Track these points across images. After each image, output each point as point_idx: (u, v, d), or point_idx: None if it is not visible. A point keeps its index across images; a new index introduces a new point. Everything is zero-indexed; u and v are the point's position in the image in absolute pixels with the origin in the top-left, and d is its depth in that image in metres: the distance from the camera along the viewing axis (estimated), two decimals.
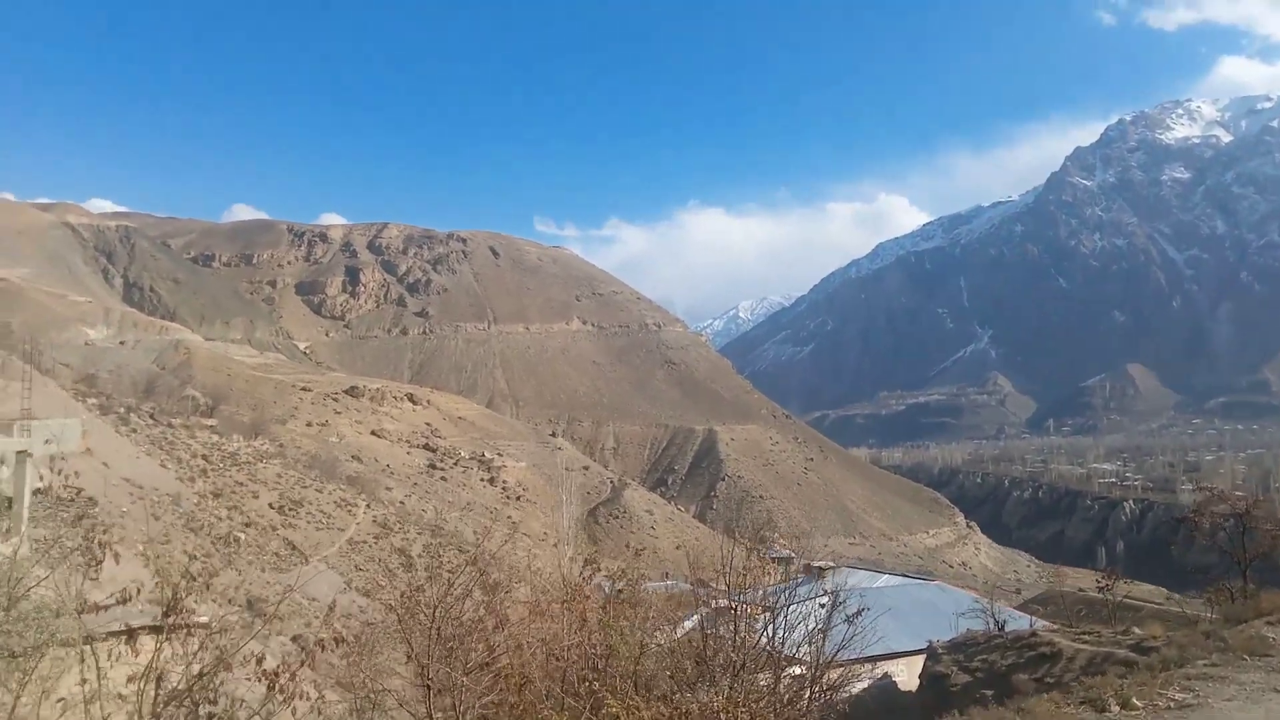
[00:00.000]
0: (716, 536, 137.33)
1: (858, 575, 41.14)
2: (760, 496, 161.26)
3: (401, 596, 9.84)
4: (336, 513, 63.13)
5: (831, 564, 46.11)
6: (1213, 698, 10.35)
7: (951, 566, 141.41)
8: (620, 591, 12.53)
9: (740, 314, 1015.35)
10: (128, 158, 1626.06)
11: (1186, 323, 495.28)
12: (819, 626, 14.09)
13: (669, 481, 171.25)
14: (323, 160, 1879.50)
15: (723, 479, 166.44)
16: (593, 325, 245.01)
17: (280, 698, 7.24)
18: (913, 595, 34.10)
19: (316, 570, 50.17)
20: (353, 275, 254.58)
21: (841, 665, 13.21)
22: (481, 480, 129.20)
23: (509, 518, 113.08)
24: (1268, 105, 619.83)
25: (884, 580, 38.92)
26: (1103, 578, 24.63)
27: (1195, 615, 19.72)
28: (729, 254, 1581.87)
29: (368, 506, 67.06)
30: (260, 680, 7.31)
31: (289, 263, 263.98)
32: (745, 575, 12.64)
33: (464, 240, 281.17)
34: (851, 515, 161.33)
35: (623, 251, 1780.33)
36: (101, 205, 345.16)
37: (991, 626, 19.69)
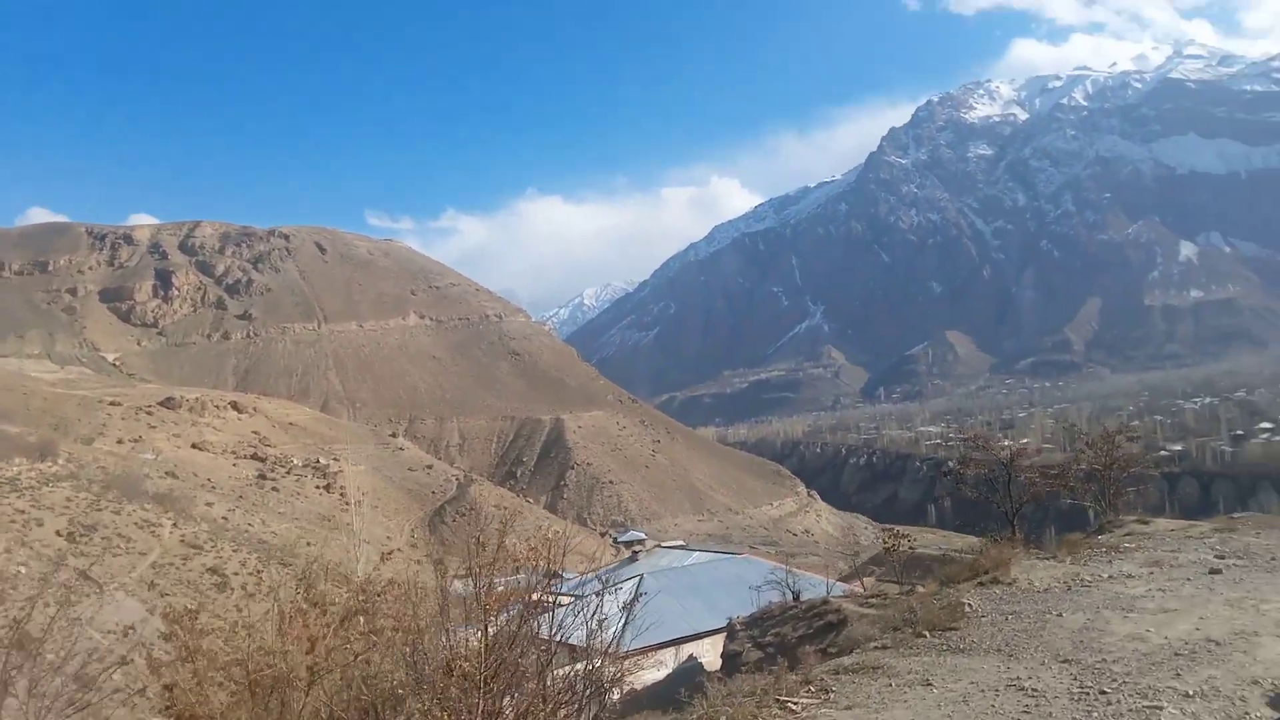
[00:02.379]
0: (568, 526, 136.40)
1: (670, 555, 40.58)
2: (610, 482, 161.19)
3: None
4: (138, 535, 57.52)
5: (640, 546, 45.52)
6: (843, 699, 9.44)
7: (795, 534, 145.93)
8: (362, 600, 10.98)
9: (585, 301, 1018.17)
10: None
11: (996, 290, 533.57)
12: (594, 617, 13.11)
13: (518, 474, 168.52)
14: (131, 159, 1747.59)
15: (572, 467, 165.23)
16: (430, 319, 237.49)
17: None
18: (720, 571, 33.74)
19: (109, 601, 45.15)
20: (164, 279, 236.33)
21: (631, 655, 12.69)
22: (317, 488, 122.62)
23: (348, 524, 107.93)
24: (1058, 84, 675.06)
25: (694, 558, 38.54)
26: (889, 536, 24.54)
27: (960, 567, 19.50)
28: (570, 242, 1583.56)
29: (174, 525, 61.47)
30: None
31: (90, 268, 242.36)
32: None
33: (287, 237, 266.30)
34: (699, 493, 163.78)
35: (462, 243, 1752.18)
36: None
37: (788, 597, 18.96)
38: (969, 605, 12.87)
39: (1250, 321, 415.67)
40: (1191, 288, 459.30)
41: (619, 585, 31.92)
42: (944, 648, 11.05)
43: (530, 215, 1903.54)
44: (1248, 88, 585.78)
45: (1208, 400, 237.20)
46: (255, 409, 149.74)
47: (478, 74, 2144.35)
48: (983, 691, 9.07)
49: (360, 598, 11.52)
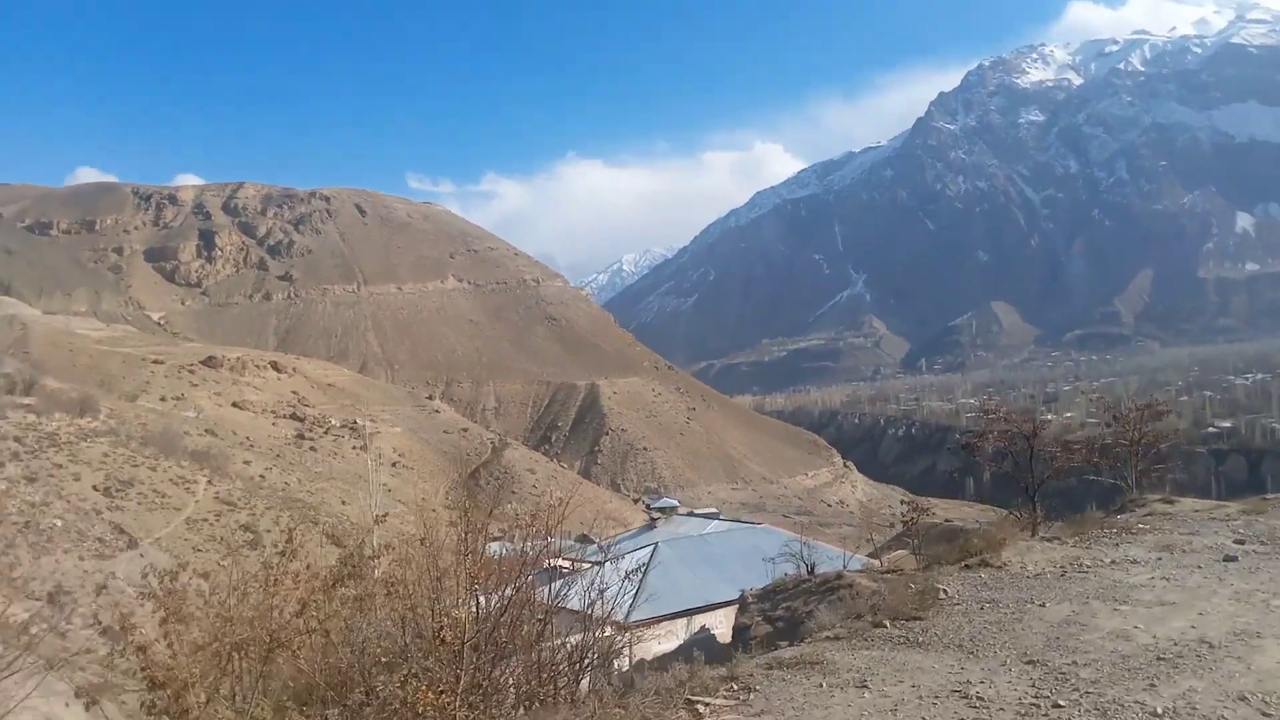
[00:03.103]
0: (601, 490, 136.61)
1: (689, 523, 39.86)
2: (644, 448, 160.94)
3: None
4: (173, 491, 58.13)
5: (671, 513, 44.87)
6: (761, 701, 8.43)
7: (829, 505, 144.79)
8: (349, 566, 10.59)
9: (624, 267, 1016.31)
10: None
11: (1044, 260, 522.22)
12: (595, 587, 12.76)
13: (552, 439, 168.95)
14: (178, 121, 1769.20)
15: (606, 433, 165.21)
16: (469, 283, 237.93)
17: None
18: (737, 541, 32.90)
19: (142, 555, 45.70)
20: (207, 239, 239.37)
21: (637, 625, 12.60)
22: (354, 448, 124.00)
23: (384, 485, 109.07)
24: (1114, 48, 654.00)
25: (712, 527, 37.73)
26: (910, 510, 23.46)
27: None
28: (610, 207, 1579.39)
29: (209, 482, 62.13)
30: None
31: (136, 228, 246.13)
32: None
33: (327, 199, 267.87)
34: (734, 462, 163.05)
35: (502, 207, 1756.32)
36: None
37: (803, 570, 18.15)
38: (944, 591, 12.00)
39: None
40: (1248, 260, 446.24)
41: (628, 554, 31.45)
42: (901, 641, 10.13)
43: (570, 179, 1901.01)
44: None
45: (1260, 376, 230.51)
46: (295, 369, 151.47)
47: (518, 37, 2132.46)
48: (920, 698, 8.07)
49: (354, 562, 11.10)
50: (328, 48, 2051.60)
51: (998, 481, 21.20)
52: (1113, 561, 13.27)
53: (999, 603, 11.42)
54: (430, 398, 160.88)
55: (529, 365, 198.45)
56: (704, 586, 28.10)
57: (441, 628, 8.59)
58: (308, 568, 10.09)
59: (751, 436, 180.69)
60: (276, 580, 9.09)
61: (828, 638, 10.76)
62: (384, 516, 14.79)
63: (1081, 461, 21.33)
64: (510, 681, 9.96)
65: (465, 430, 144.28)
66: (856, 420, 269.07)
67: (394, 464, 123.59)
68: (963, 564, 13.79)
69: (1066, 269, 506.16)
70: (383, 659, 8.92)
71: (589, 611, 12.75)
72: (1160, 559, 13.25)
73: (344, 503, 79.51)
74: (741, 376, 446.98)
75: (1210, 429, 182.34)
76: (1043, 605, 11.06)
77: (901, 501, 21.37)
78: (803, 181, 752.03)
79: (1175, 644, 9.06)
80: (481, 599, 9.47)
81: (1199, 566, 12.58)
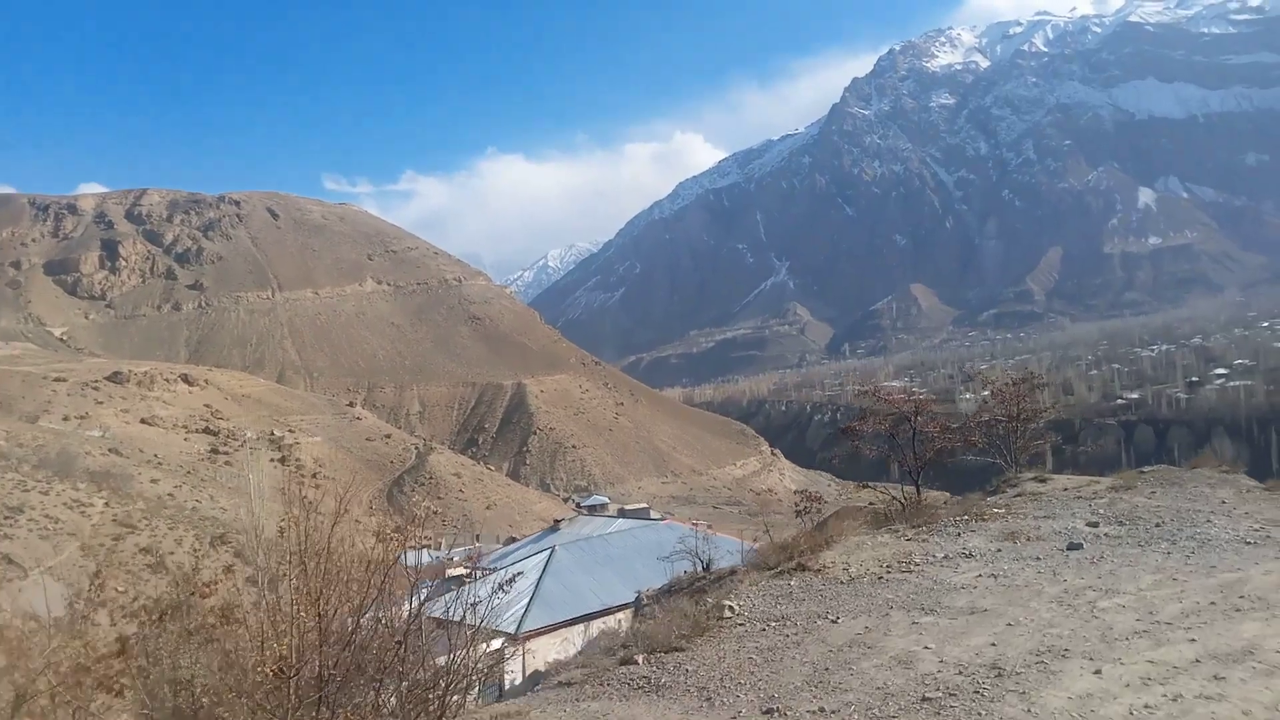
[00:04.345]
0: (529, 492, 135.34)
1: (593, 523, 39.39)
2: (573, 446, 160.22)
3: None
4: (67, 516, 55.40)
5: (600, 510, 44.28)
6: None
7: (758, 494, 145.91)
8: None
9: (550, 263, 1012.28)
10: None
11: (959, 241, 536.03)
12: (468, 598, 11.79)
13: (480, 441, 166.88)
14: (79, 128, 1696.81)
15: (534, 432, 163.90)
16: (389, 284, 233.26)
17: None
18: (640, 539, 32.44)
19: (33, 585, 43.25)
20: (111, 249, 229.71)
21: (531, 636, 11.86)
22: (271, 461, 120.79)
23: (303, 498, 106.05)
24: (1018, 30, 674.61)
25: (617, 525, 37.24)
26: (804, 497, 22.20)
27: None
28: (533, 202, 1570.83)
29: (106, 504, 59.34)
30: None
31: (34, 240, 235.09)
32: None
33: (237, 203, 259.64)
34: (663, 455, 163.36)
35: (422, 206, 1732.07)
36: None
37: (698, 566, 17.67)
38: (731, 608, 11.00)
39: (1207, 267, 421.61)
40: (1150, 234, 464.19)
41: (522, 560, 30.67)
42: (640, 685, 9.07)
43: (491, 175, 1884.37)
44: (1206, 30, 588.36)
45: (1165, 347, 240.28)
46: (207, 381, 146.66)
47: (433, 33, 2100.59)
48: None
49: (186, 589, 10.24)
50: (237, 47, 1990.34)
51: (921, 461, 20.35)
52: (946, 556, 12.56)
53: (789, 620, 10.47)
54: (351, 404, 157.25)
55: (453, 367, 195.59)
56: (603, 589, 27.57)
57: (273, 661, 7.76)
58: (135, 599, 9.20)
59: (681, 429, 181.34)
60: (85, 616, 8.25)
61: (559, 683, 9.83)
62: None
63: (960, 441, 20.43)
64: (369, 711, 9.26)
65: (388, 436, 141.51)
66: (784, 408, 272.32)
67: (314, 474, 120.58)
68: (777, 570, 12.90)
69: (980, 249, 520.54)
70: (203, 699, 8.00)
71: (461, 625, 11.95)
72: (999, 551, 12.61)
73: (281, 519, 77.01)
74: (671, 369, 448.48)
75: (1119, 401, 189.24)
76: (836, 621, 10.18)
77: (798, 494, 20.35)
78: (724, 171, 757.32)
79: (960, 672, 8.13)
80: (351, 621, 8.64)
81: (1038, 558, 11.98)
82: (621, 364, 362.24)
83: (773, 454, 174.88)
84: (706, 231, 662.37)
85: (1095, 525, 13.69)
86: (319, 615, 8.13)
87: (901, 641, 9.16)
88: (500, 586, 12.49)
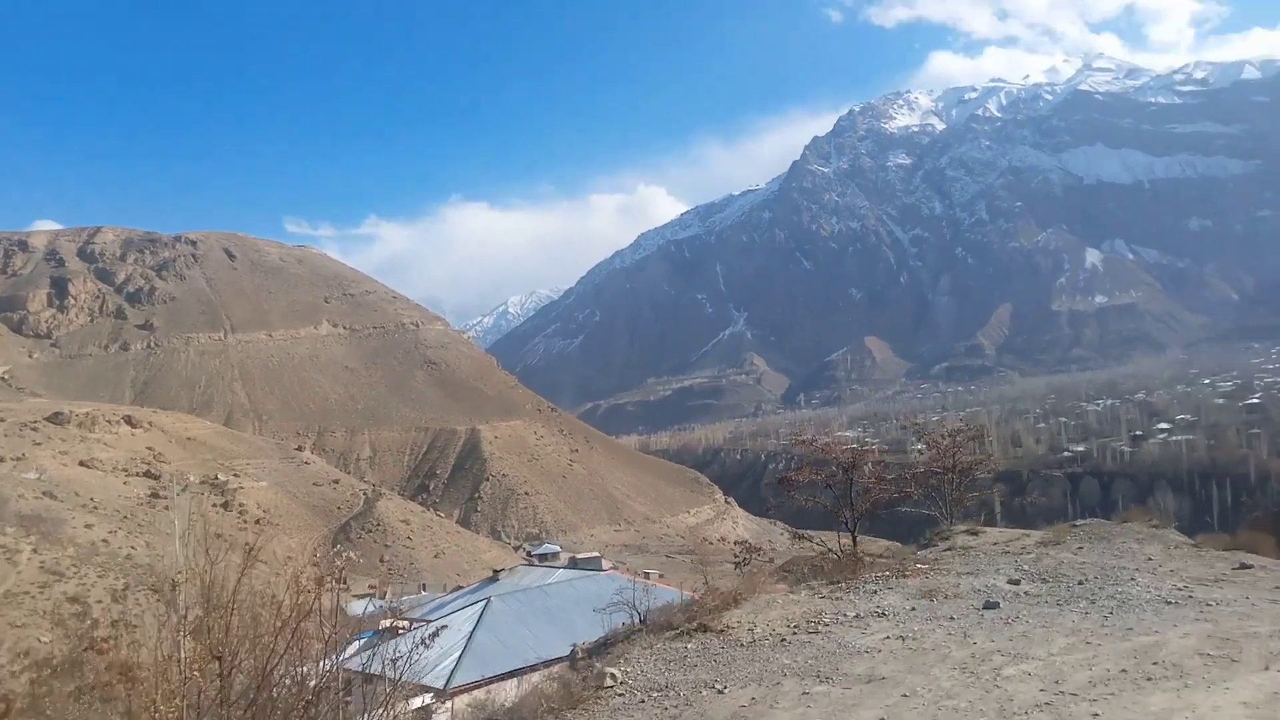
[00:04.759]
0: (479, 539, 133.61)
1: (534, 573, 39.19)
2: (526, 493, 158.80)
3: None
4: None
5: (554, 559, 44.04)
6: None
7: (711, 542, 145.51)
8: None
9: (510, 309, 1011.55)
10: None
11: (913, 296, 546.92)
12: (388, 654, 11.33)
13: (431, 487, 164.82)
14: (37, 163, 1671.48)
15: (487, 479, 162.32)
16: (344, 328, 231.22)
17: None
18: (580, 590, 32.30)
19: None
20: (60, 287, 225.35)
21: (461, 690, 11.27)
22: (214, 506, 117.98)
23: (245, 545, 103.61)
24: (973, 95, 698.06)
25: (557, 576, 37.08)
26: (744, 548, 22.07)
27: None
28: (496, 250, 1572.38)
29: (34, 550, 57.61)
30: None
31: None
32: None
33: (194, 243, 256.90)
34: (617, 503, 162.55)
35: (384, 250, 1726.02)
36: None
37: (635, 618, 17.59)
38: (614, 675, 10.43)
39: (1150, 326, 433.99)
40: (1097, 293, 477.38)
41: (456, 612, 30.36)
42: None
43: (455, 222, 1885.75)
44: (1152, 100, 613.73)
45: (1110, 402, 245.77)
46: (151, 423, 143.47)
47: (398, 79, 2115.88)
48: None
49: (81, 644, 9.89)
50: (201, 86, 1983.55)
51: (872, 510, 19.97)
52: (857, 616, 12.09)
53: (672, 689, 9.85)
54: (300, 449, 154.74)
55: (407, 411, 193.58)
56: (539, 642, 27.26)
57: None
58: (26, 653, 9.06)
59: (635, 476, 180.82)
60: None
61: None
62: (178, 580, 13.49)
63: (897, 492, 19.91)
64: None
65: (337, 482, 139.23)
66: (739, 456, 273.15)
67: (258, 520, 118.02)
68: (677, 630, 12.34)
69: (933, 305, 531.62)
70: None
71: (381, 682, 11.47)
72: (914, 610, 12.15)
73: (210, 565, 75.03)
74: (628, 416, 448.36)
75: (1066, 453, 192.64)
76: (722, 691, 9.58)
77: (737, 544, 19.89)
78: (685, 223, 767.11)
79: None
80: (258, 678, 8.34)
81: (951, 618, 11.51)
82: (579, 411, 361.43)
83: (727, 502, 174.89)
84: (667, 281, 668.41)
85: (1017, 583, 13.31)
86: (220, 674, 7.98)
87: (785, 716, 8.71)
88: (423, 641, 12.16)
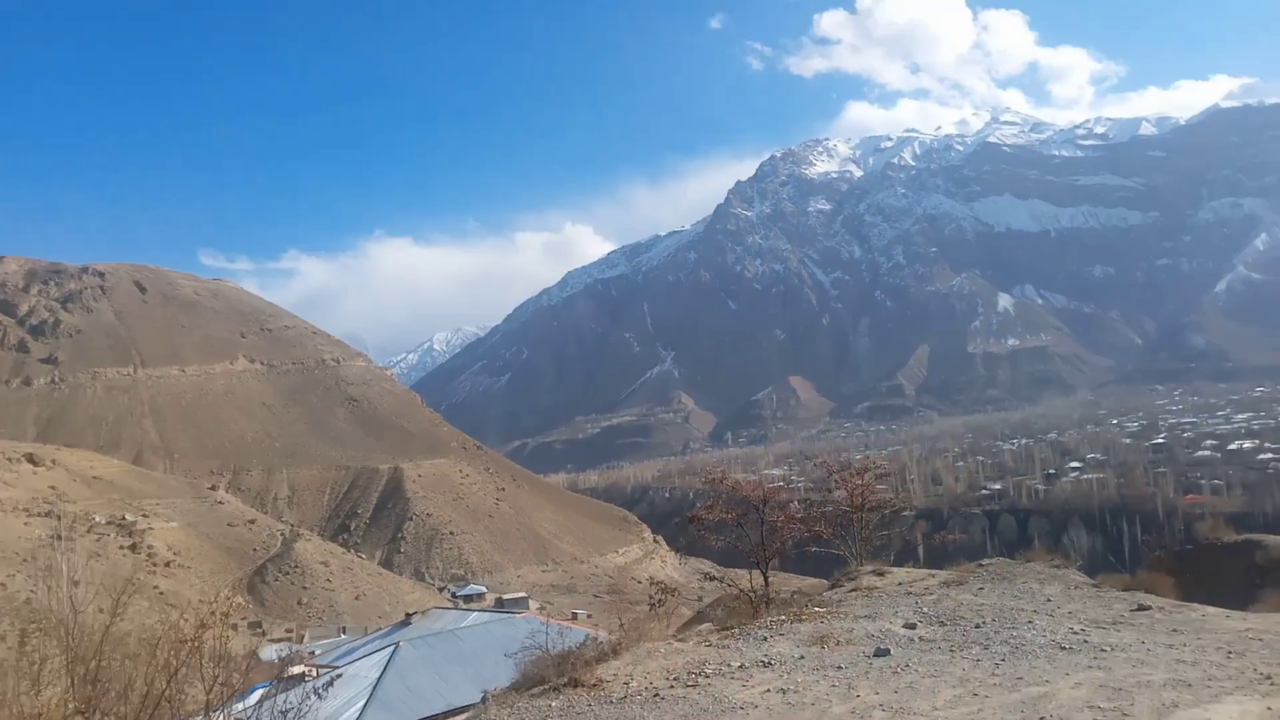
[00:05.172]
0: (402, 581, 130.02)
1: (447, 616, 38.26)
2: (451, 533, 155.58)
3: None
4: None
5: (479, 600, 43.01)
6: None
7: (640, 582, 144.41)
8: None
9: (435, 346, 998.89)
10: None
11: (835, 337, 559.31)
12: (282, 707, 10.64)
13: (352, 527, 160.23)
14: None
15: (410, 518, 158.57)
16: (261, 364, 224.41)
17: None
18: (494, 634, 31.42)
19: None
20: None
21: None
22: (121, 548, 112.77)
23: (154, 588, 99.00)
24: (889, 145, 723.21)
25: (473, 619, 36.17)
26: (657, 590, 21.23)
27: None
28: (421, 286, 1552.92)
29: None
30: None
31: None
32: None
33: (102, 274, 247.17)
34: (544, 542, 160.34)
35: (304, 285, 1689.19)
36: None
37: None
38: None
39: (1060, 367, 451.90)
40: (1009, 336, 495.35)
41: (363, 659, 29.24)
42: None
43: (378, 257, 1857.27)
44: (1056, 153, 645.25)
45: (1024, 441, 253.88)
46: (54, 461, 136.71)
47: (320, 112, 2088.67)
48: None
49: None
50: (115, 117, 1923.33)
51: (798, 548, 19.65)
52: (741, 666, 11.56)
53: None
54: (214, 488, 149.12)
55: (328, 450, 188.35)
56: (450, 689, 26.25)
57: None
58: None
59: (563, 515, 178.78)
60: None
61: None
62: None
63: (806, 531, 19.70)
64: None
65: (252, 522, 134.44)
66: (668, 495, 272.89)
67: (168, 562, 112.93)
68: (546, 685, 11.62)
69: (855, 345, 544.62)
70: None
71: None
72: (802, 658, 11.69)
73: (101, 610, 71.14)
74: (556, 455, 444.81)
75: (984, 491, 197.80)
76: None
77: (653, 583, 19.22)
78: (612, 262, 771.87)
79: None
80: None
81: (839, 667, 11.09)
82: (506, 449, 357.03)
83: (655, 541, 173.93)
84: (594, 320, 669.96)
85: (913, 626, 12.95)
86: None
87: None
88: (315, 691, 11.39)
